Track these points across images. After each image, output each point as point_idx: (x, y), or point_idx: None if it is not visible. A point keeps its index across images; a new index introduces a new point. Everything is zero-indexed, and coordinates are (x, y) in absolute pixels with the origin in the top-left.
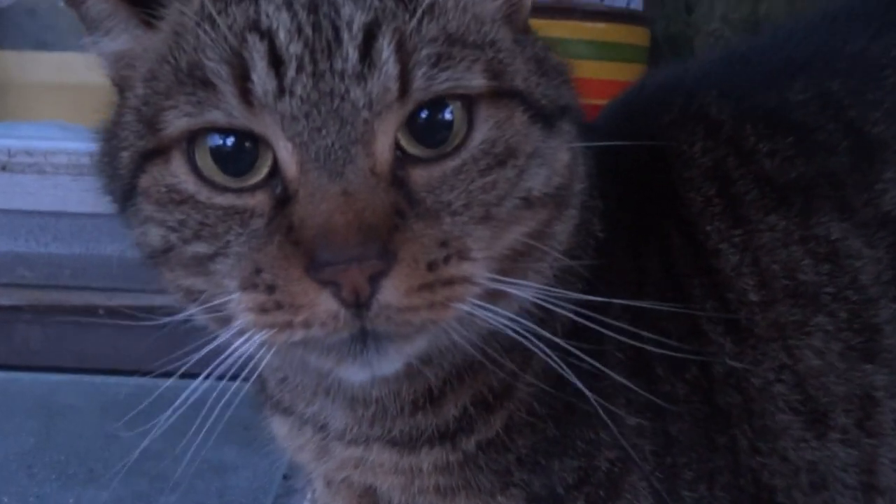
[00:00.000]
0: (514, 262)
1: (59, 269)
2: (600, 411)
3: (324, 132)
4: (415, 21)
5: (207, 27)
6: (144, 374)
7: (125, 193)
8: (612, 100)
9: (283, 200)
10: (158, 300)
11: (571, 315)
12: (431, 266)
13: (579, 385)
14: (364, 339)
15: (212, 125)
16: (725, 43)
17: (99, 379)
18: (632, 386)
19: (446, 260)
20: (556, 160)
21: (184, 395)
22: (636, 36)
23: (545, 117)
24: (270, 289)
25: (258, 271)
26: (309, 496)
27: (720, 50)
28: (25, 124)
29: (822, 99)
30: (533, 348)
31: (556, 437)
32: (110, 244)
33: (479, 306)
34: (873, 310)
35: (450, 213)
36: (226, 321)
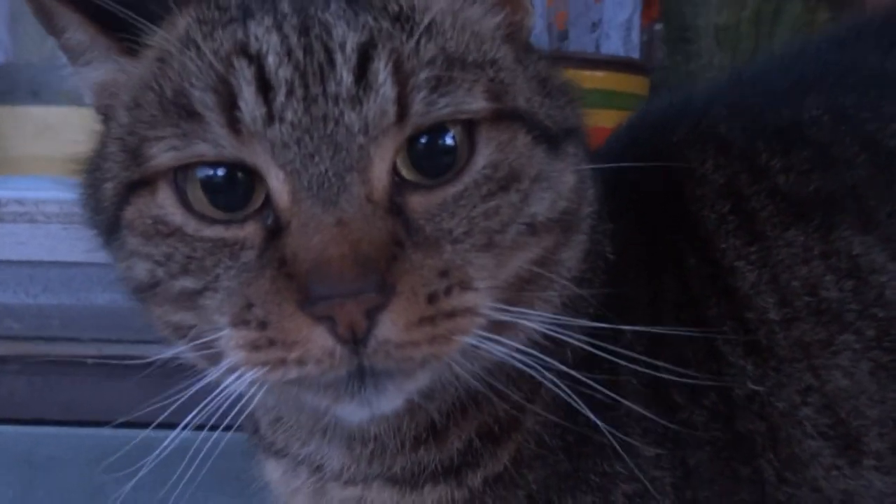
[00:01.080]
0: (519, 291)
1: (48, 320)
2: (615, 443)
3: (316, 159)
4: (412, 42)
5: (192, 53)
6: (131, 424)
7: (109, 226)
8: (618, 125)
9: (275, 231)
10: (150, 351)
11: (582, 344)
12: (432, 298)
13: (592, 417)
14: (362, 377)
15: (199, 159)
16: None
17: (84, 430)
18: (649, 415)
19: (448, 291)
20: (562, 183)
21: (168, 440)
22: (635, 84)
23: (549, 139)
24: (262, 325)
25: (249, 306)
26: None
27: (727, 73)
28: (17, 178)
29: (836, 114)
30: (542, 380)
31: (568, 470)
32: (101, 294)
33: (484, 338)
34: None
35: (451, 241)
36: (216, 358)
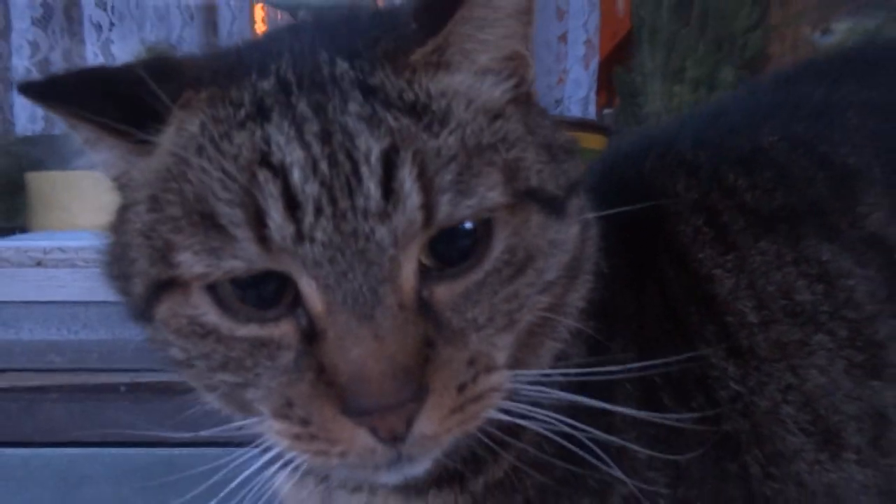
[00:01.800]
0: (530, 337)
1: (88, 354)
2: (610, 463)
3: (350, 276)
4: (434, 140)
5: (211, 158)
6: (158, 444)
7: (140, 313)
8: (592, 162)
9: (310, 335)
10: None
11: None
12: (461, 388)
13: (590, 451)
14: (399, 458)
15: (231, 275)
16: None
17: (117, 451)
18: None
19: (474, 378)
20: (570, 238)
21: (230, 465)
22: (595, 142)
23: (557, 206)
24: (304, 422)
25: (290, 405)
26: None
27: (686, 113)
28: (62, 232)
29: (791, 140)
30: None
31: (566, 476)
32: (134, 329)
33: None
34: (873, 327)
35: (475, 330)
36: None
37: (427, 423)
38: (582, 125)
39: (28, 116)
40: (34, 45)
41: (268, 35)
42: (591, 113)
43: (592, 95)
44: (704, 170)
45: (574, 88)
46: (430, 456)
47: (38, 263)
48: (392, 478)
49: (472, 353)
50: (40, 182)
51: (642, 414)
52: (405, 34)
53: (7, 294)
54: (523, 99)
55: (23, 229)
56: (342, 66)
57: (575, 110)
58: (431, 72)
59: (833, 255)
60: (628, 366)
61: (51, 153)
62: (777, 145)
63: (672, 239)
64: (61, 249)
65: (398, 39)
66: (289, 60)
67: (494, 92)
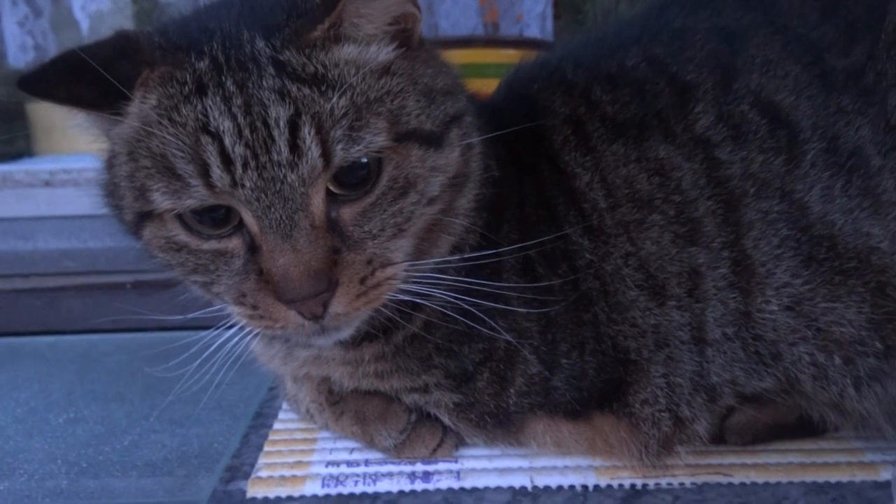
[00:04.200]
0: (428, 233)
1: (96, 259)
2: (495, 322)
3: (273, 209)
4: (328, 104)
5: (167, 125)
6: (162, 329)
7: (132, 233)
8: (501, 80)
9: (252, 248)
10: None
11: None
12: (363, 280)
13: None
14: (325, 329)
15: (189, 207)
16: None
17: (127, 335)
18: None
19: (373, 272)
20: (449, 163)
21: (204, 341)
22: None
23: (436, 139)
24: (254, 307)
25: (244, 295)
26: (282, 394)
27: (578, 37)
28: (64, 156)
29: (649, 61)
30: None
31: (464, 329)
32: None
33: (402, 289)
34: (693, 207)
35: (371, 238)
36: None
37: (338, 305)
38: (528, 43)
39: (18, 46)
40: None
41: (207, 7)
42: (549, 27)
43: (549, 10)
44: (578, 88)
45: (532, 4)
46: (348, 327)
47: (47, 183)
48: (324, 342)
49: (369, 255)
50: (41, 111)
51: (519, 284)
52: (310, 10)
53: (21, 210)
54: (412, 52)
55: (28, 154)
56: (259, 44)
57: (534, 25)
58: (328, 46)
59: (668, 153)
60: (511, 247)
61: None
62: (638, 65)
63: (548, 146)
64: (66, 171)
65: (304, 16)
66: (219, 40)
67: (380, 55)
